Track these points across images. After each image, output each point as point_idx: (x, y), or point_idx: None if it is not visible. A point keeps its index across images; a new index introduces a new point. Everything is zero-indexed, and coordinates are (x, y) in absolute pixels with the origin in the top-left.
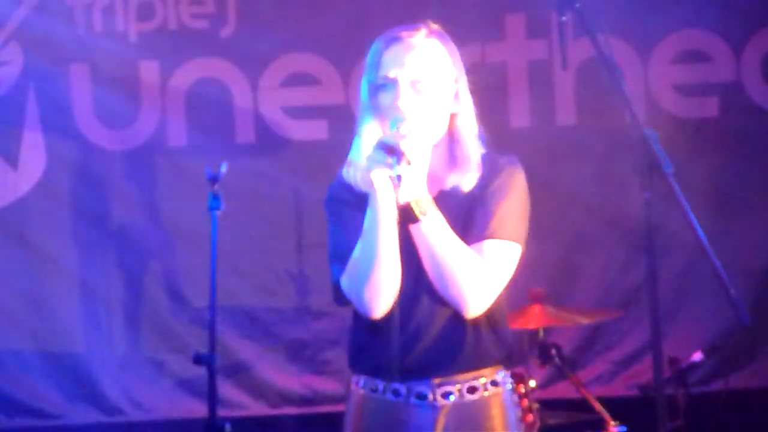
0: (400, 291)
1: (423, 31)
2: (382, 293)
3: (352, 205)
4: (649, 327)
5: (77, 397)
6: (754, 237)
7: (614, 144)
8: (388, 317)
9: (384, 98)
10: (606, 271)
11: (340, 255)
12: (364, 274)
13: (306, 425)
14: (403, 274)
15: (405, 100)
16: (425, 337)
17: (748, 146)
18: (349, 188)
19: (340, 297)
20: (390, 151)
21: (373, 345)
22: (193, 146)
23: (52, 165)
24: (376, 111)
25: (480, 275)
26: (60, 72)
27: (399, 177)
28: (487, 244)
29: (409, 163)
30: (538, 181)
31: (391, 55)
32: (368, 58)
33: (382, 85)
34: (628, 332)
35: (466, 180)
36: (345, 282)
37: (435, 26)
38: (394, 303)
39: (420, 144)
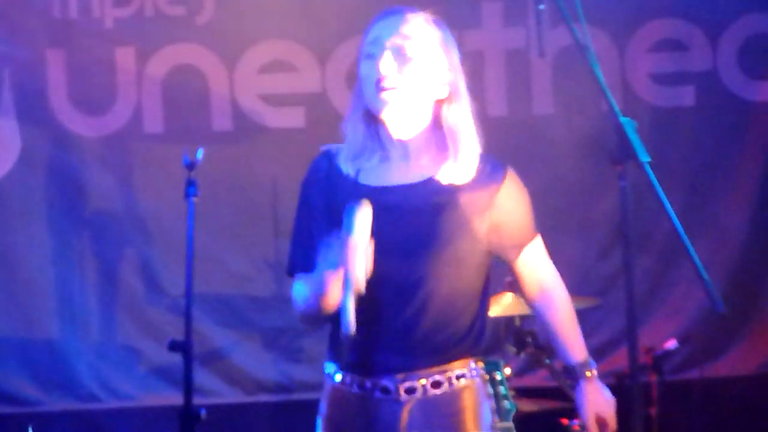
0: (367, 288)
1: (422, 15)
2: (322, 319)
3: (325, 193)
4: (625, 315)
5: (52, 384)
6: (729, 225)
7: (591, 132)
8: (369, 309)
9: (366, 67)
10: (582, 260)
11: (298, 244)
12: (308, 309)
13: (282, 413)
14: (390, 270)
15: (387, 62)
16: (390, 333)
17: (725, 135)
18: (331, 159)
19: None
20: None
21: (340, 339)
22: (169, 133)
23: (27, 151)
24: (359, 92)
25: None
26: (35, 58)
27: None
28: (534, 244)
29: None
30: (514, 169)
31: (381, 24)
32: (363, 36)
33: (368, 54)
34: (603, 320)
35: (460, 173)
36: (294, 293)
37: (434, 16)
38: (362, 301)
39: (405, 114)
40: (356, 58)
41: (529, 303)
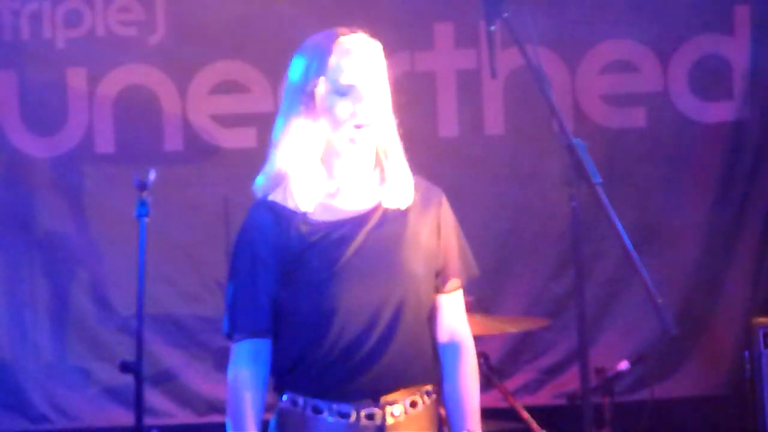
0: (356, 317)
1: (363, 34)
2: None
3: (274, 238)
4: (577, 336)
5: (2, 405)
6: (680, 246)
7: (542, 153)
8: (339, 341)
9: (339, 103)
10: (534, 280)
11: (242, 301)
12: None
13: None
14: (360, 301)
15: (366, 102)
16: (377, 360)
17: (675, 156)
18: (273, 208)
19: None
20: None
21: (319, 367)
22: (121, 153)
23: None
24: (321, 111)
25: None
26: None
27: None
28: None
29: None
30: (466, 189)
31: (348, 60)
32: (314, 58)
33: (339, 90)
34: (555, 341)
35: (402, 197)
36: (232, 370)
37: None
38: (348, 328)
39: (371, 148)
40: None
41: (438, 344)
